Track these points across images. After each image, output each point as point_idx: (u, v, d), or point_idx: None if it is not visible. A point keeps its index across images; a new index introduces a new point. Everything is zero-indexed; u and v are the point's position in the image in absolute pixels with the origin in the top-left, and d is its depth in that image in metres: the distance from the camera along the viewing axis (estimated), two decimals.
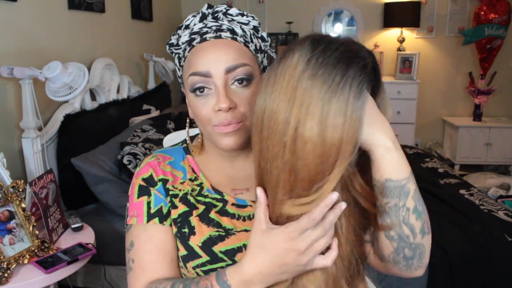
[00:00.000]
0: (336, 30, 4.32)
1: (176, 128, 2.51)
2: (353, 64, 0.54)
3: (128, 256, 0.76)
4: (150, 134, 2.24)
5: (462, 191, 2.27)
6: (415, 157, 2.96)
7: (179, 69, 0.80)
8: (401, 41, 4.08)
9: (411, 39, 4.15)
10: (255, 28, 0.78)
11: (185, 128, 0.84)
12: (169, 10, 4.00)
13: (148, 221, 0.75)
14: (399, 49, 4.08)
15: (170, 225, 0.76)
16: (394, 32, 4.16)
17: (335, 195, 0.54)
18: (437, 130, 4.34)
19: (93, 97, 2.37)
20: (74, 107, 2.12)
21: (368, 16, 4.17)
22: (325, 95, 0.53)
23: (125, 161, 1.95)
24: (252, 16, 0.78)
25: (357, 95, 0.53)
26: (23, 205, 1.39)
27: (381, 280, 1.83)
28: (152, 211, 0.76)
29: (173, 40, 0.79)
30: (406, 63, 3.99)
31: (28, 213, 1.41)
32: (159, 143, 2.13)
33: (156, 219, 0.75)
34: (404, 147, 3.23)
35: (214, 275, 0.63)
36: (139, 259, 0.74)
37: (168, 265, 0.74)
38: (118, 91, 2.66)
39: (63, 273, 1.35)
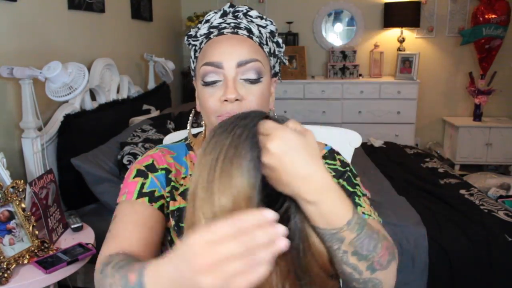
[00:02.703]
0: (336, 30, 4.32)
1: (176, 128, 2.51)
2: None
3: (109, 227, 0.73)
4: (150, 134, 2.24)
5: (462, 191, 2.27)
6: (415, 157, 2.96)
7: (193, 61, 0.83)
8: (401, 41, 4.08)
9: (411, 39, 4.15)
10: (271, 33, 0.81)
11: (184, 128, 0.85)
12: (169, 10, 4.00)
13: (137, 198, 0.74)
14: (399, 49, 4.08)
15: (159, 208, 0.74)
16: (394, 32, 4.16)
17: (271, 214, 0.42)
18: (437, 130, 4.34)
19: (93, 97, 2.37)
20: (74, 107, 2.12)
21: (368, 16, 4.17)
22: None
23: (125, 161, 1.94)
24: (271, 21, 0.81)
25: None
26: (23, 205, 1.39)
27: None
28: (144, 190, 0.75)
29: (192, 32, 0.82)
30: (406, 63, 3.99)
31: (28, 213, 1.41)
32: (159, 143, 2.12)
33: (146, 198, 0.74)
34: (404, 147, 3.23)
35: (142, 265, 0.54)
36: (115, 228, 0.71)
37: (143, 240, 0.69)
38: (118, 91, 2.66)
39: (63, 273, 1.35)
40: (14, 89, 1.79)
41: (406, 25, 4.01)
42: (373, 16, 4.16)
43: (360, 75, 4.12)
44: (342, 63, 4.06)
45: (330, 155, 0.85)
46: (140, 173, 0.78)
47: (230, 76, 0.72)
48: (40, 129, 1.81)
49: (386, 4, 4.03)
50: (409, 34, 4.13)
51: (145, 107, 2.82)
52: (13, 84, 1.78)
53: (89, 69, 2.31)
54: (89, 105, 2.25)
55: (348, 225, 0.60)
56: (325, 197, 0.58)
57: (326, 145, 0.88)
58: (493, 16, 3.75)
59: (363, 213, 0.76)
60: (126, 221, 0.71)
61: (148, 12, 3.37)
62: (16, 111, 1.80)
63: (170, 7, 4.02)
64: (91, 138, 2.09)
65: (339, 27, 4.33)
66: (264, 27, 0.80)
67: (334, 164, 0.83)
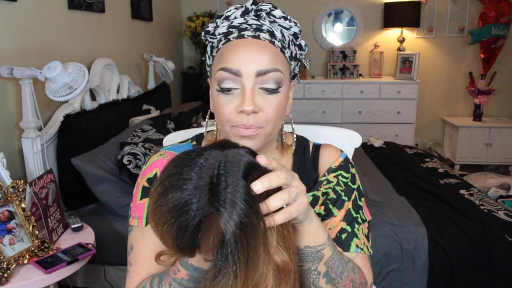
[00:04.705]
0: (336, 30, 4.33)
1: (176, 128, 2.51)
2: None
3: (128, 258, 0.78)
4: (150, 134, 2.24)
5: (462, 191, 2.27)
6: (415, 157, 2.96)
7: (209, 58, 0.79)
8: (401, 41, 4.09)
9: (411, 39, 4.15)
10: (295, 35, 0.76)
11: (185, 128, 0.84)
12: (169, 10, 4.00)
13: (146, 224, 0.76)
14: (399, 49, 4.08)
15: None
16: (394, 32, 4.16)
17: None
18: (437, 130, 4.34)
19: (93, 97, 2.37)
20: (74, 107, 2.12)
21: (368, 16, 4.17)
22: None
23: (125, 161, 1.94)
24: (295, 22, 0.76)
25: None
26: (23, 205, 1.39)
27: (381, 280, 1.83)
28: None
29: (210, 28, 0.77)
30: (406, 63, 3.99)
31: (28, 213, 1.41)
32: (159, 143, 2.13)
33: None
34: (404, 147, 3.23)
35: (179, 259, 0.64)
36: (135, 263, 0.75)
37: (163, 268, 0.74)
38: (118, 91, 2.66)
39: (63, 273, 1.35)
40: (14, 89, 1.79)
41: (406, 25, 4.01)
42: (373, 16, 4.16)
43: (360, 75, 4.12)
44: (342, 63, 4.07)
45: (345, 165, 0.83)
46: (145, 193, 0.79)
47: (248, 85, 0.68)
48: (40, 129, 1.81)
49: (386, 4, 4.03)
50: (409, 34, 4.13)
51: (145, 107, 2.82)
52: (13, 84, 1.78)
53: (89, 69, 2.31)
54: (89, 105, 2.25)
55: (328, 241, 0.68)
56: (313, 215, 0.66)
57: (341, 151, 0.85)
58: (502, 15, 3.74)
59: (356, 245, 0.77)
60: (143, 255, 0.75)
61: (148, 12, 3.37)
62: (16, 111, 1.80)
63: (170, 7, 4.02)
64: (91, 138, 2.09)
65: (339, 27, 4.33)
66: (287, 29, 0.75)
67: (347, 178, 0.82)
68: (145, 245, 0.75)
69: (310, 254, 0.67)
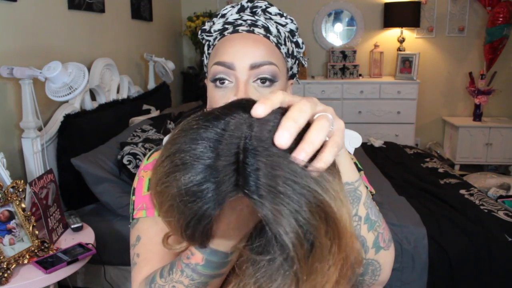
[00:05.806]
0: (336, 30, 4.33)
1: None
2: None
3: (133, 252, 0.70)
4: (150, 134, 2.24)
5: (462, 191, 2.27)
6: (415, 157, 2.96)
7: (206, 57, 0.78)
8: (401, 41, 4.09)
9: (411, 39, 4.15)
10: (291, 32, 0.76)
11: None
12: (169, 10, 4.00)
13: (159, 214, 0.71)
14: (399, 49, 4.08)
15: None
16: (394, 32, 4.16)
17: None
18: (437, 130, 4.34)
19: (93, 97, 2.37)
20: (74, 107, 2.12)
21: (368, 16, 4.17)
22: None
23: (125, 161, 1.95)
24: (291, 19, 0.75)
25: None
26: (23, 205, 1.39)
27: None
28: None
29: (207, 26, 0.77)
30: (406, 63, 3.99)
31: (28, 213, 1.41)
32: (159, 143, 2.13)
33: None
34: (404, 147, 3.23)
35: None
36: (145, 252, 0.68)
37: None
38: (118, 91, 2.66)
39: (63, 273, 1.35)
40: (14, 89, 1.79)
41: (406, 25, 4.01)
42: (373, 16, 4.16)
43: (360, 75, 4.12)
44: (342, 63, 4.07)
45: None
46: None
47: (241, 78, 0.67)
48: (40, 129, 1.81)
49: (386, 4, 4.03)
50: (409, 34, 4.13)
51: (145, 107, 2.82)
52: (13, 84, 1.78)
53: (89, 69, 2.31)
54: (89, 105, 2.25)
55: (360, 178, 0.59)
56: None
57: None
58: (509, 16, 3.73)
59: None
60: (155, 243, 0.67)
61: (148, 12, 3.37)
62: (16, 111, 1.80)
63: (170, 7, 4.02)
64: (91, 138, 2.09)
65: (339, 27, 4.33)
66: (283, 26, 0.74)
67: None
68: (159, 231, 0.68)
69: (349, 194, 0.57)
